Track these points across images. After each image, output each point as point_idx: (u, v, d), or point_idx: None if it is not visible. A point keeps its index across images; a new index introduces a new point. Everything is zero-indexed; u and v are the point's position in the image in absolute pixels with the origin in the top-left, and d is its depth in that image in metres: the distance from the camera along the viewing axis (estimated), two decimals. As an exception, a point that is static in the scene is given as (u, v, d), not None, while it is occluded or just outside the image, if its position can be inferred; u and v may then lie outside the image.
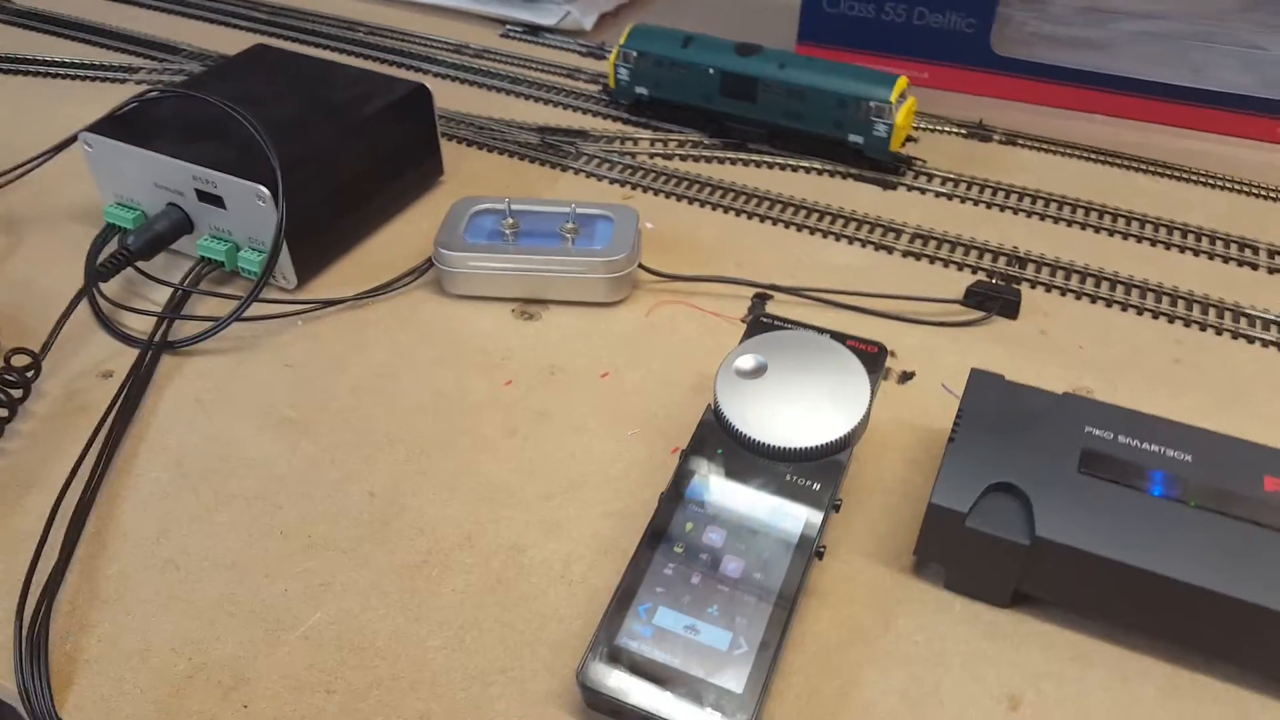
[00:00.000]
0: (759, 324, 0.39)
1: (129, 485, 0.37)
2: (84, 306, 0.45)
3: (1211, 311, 0.46)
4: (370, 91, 0.50)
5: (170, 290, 0.46)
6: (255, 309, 0.44)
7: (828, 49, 0.66)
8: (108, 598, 0.33)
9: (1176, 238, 0.51)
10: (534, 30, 0.73)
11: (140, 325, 0.44)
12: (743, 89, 0.56)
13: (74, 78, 0.64)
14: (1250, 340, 0.44)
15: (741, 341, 0.38)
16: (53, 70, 0.65)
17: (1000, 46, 0.62)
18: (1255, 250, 0.50)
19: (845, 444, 0.34)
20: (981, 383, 0.37)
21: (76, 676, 0.31)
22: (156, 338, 0.43)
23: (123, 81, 0.64)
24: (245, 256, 0.45)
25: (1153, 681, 0.32)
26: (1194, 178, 0.56)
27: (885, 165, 0.56)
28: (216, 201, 0.45)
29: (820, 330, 0.39)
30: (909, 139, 0.55)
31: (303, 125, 0.48)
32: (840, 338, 0.38)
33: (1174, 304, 0.46)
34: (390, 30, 0.72)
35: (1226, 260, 0.49)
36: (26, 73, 0.64)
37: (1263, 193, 0.55)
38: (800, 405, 0.35)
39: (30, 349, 0.40)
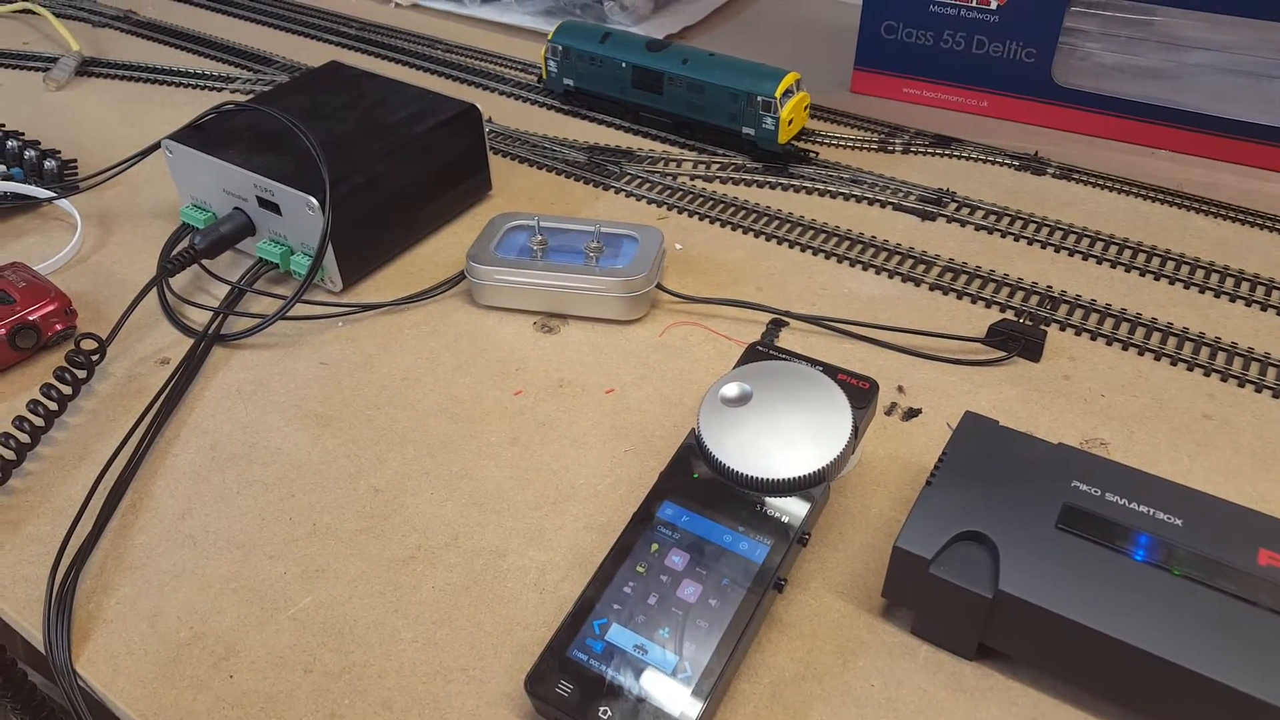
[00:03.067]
0: (753, 352, 0.40)
1: (166, 464, 0.41)
2: (153, 297, 0.50)
3: (1254, 366, 0.44)
4: (424, 110, 0.53)
5: (229, 287, 0.50)
6: (300, 309, 0.48)
7: (885, 75, 0.65)
8: (132, 565, 0.37)
9: (1229, 285, 0.48)
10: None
11: (200, 318, 0.48)
12: (650, 82, 0.61)
13: (178, 85, 0.70)
14: (1291, 399, 0.42)
15: (733, 369, 0.39)
16: (160, 78, 0.71)
17: (1062, 76, 0.60)
18: (1315, 303, 0.47)
19: (819, 479, 0.35)
20: (973, 426, 0.36)
21: (94, 633, 0.34)
22: (210, 330, 0.47)
23: (219, 89, 0.69)
24: (297, 260, 0.49)
25: (1115, 748, 0.31)
26: (1259, 221, 0.53)
27: (779, 158, 0.59)
28: (274, 208, 0.49)
29: (814, 363, 0.39)
30: (804, 133, 0.59)
31: (358, 140, 0.51)
32: (832, 371, 0.38)
33: (1212, 355, 0.44)
34: (465, 48, 0.75)
35: (1280, 312, 0.47)
36: (139, 79, 0.71)
37: (1338, 241, 0.51)
38: (779, 437, 0.36)
39: (98, 335, 0.45)
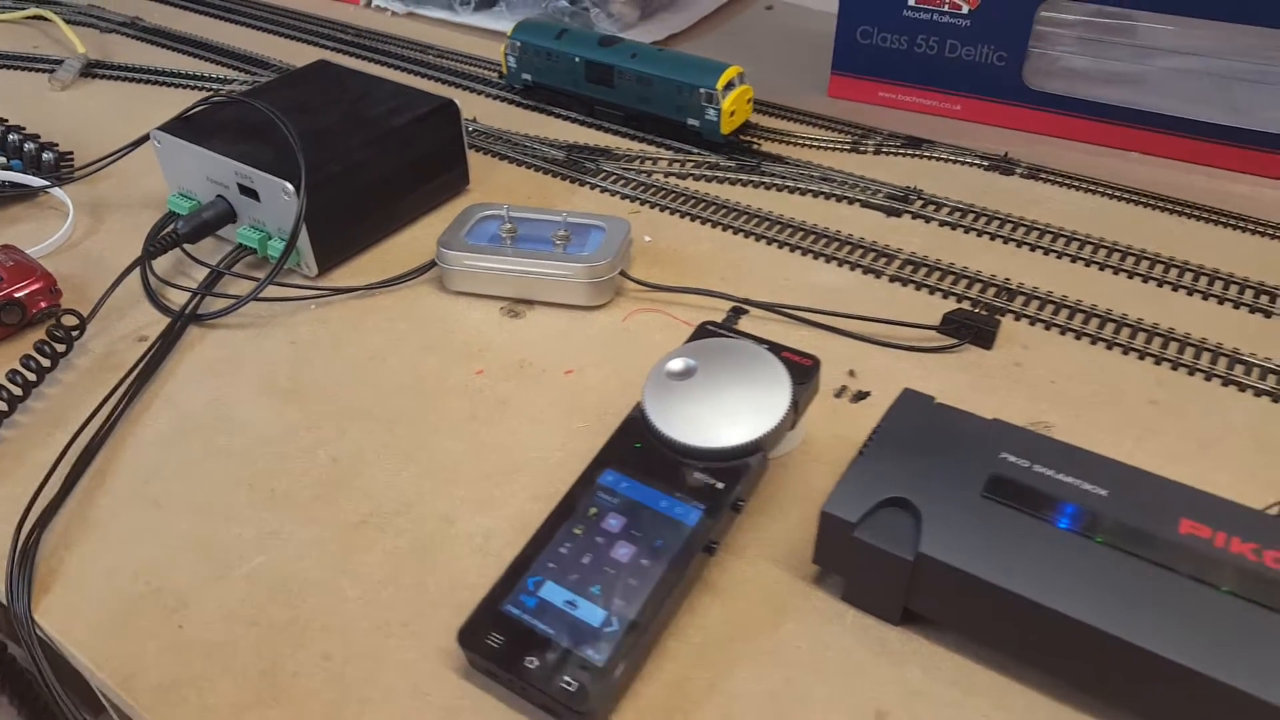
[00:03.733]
0: (703, 330, 0.41)
1: (136, 433, 0.42)
2: (136, 280, 0.51)
3: (1205, 355, 0.44)
4: (403, 105, 0.55)
5: (208, 270, 0.51)
6: (275, 291, 0.50)
7: (861, 79, 0.67)
8: (95, 524, 0.38)
9: (1186, 279, 0.49)
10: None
11: (180, 299, 0.50)
12: (602, 76, 0.64)
13: (178, 86, 0.72)
14: (1242, 388, 0.43)
15: (683, 345, 0.40)
16: (161, 79, 0.73)
17: (1034, 80, 0.61)
18: (1272, 297, 0.48)
19: (754, 449, 0.36)
20: (910, 402, 0.37)
21: (54, 586, 0.36)
22: (187, 310, 0.48)
23: (217, 90, 0.71)
24: (274, 245, 0.51)
25: (1034, 718, 0.31)
26: (1223, 220, 0.54)
27: (723, 148, 0.62)
28: (253, 195, 0.50)
29: (760, 341, 0.40)
30: (748, 124, 0.63)
31: (338, 132, 0.53)
32: (777, 349, 0.39)
33: (1164, 345, 0.45)
34: (455, 53, 0.77)
35: (1237, 305, 0.47)
36: (140, 81, 0.73)
37: (1300, 239, 0.52)
38: (719, 409, 0.37)
39: (79, 311, 0.46)
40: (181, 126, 0.53)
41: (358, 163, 0.52)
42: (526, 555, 0.33)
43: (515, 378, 0.45)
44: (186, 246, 0.52)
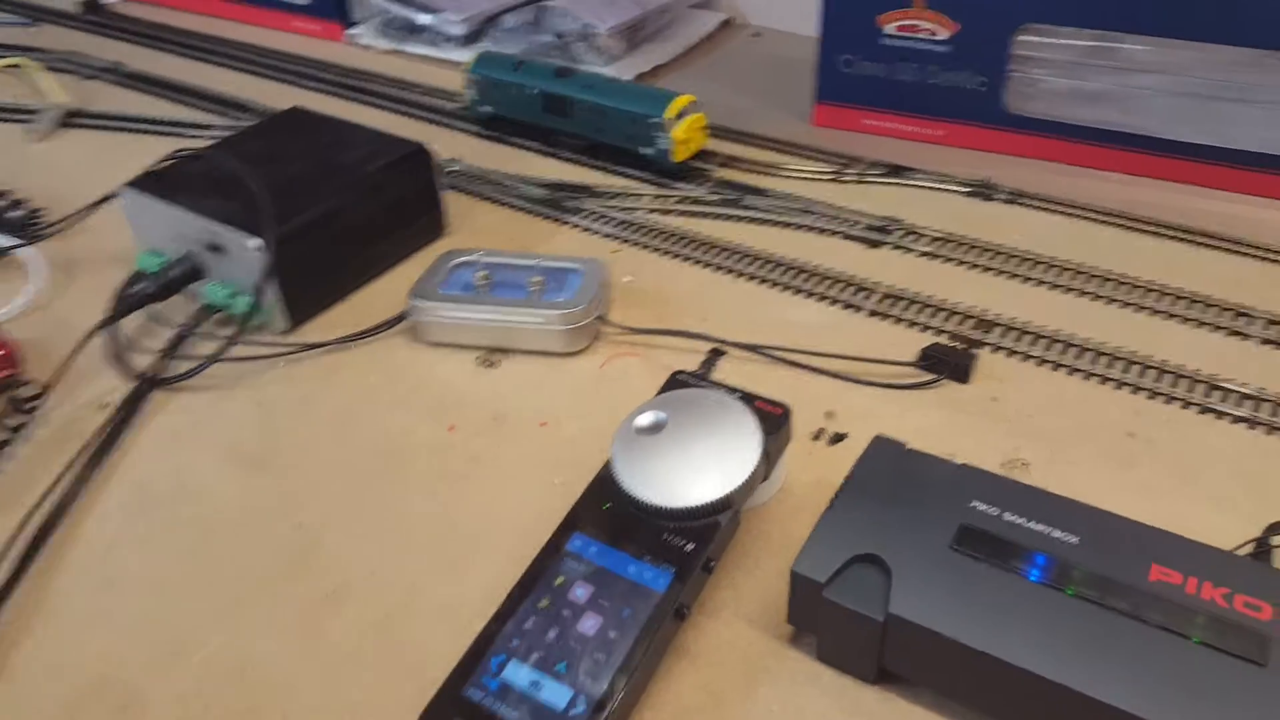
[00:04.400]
0: (674, 381, 0.40)
1: (94, 509, 0.41)
2: (103, 342, 0.51)
3: (1182, 383, 0.43)
4: (375, 151, 0.55)
5: (174, 331, 0.51)
6: (242, 350, 0.49)
7: (845, 108, 0.66)
8: (46, 610, 0.37)
9: (1165, 304, 0.48)
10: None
11: (145, 362, 0.50)
12: (559, 107, 0.65)
13: (158, 133, 0.72)
14: (1219, 415, 0.42)
15: (654, 397, 0.39)
16: (141, 127, 0.73)
17: (1016, 103, 0.61)
18: (1250, 319, 0.47)
19: (724, 506, 0.35)
20: (881, 449, 0.36)
21: None
22: (149, 374, 0.48)
23: (195, 136, 0.71)
24: (242, 301, 0.50)
25: (1018, 776, 0.30)
26: (1202, 240, 0.53)
27: (673, 174, 0.62)
28: (221, 251, 0.50)
29: (732, 390, 0.39)
30: (703, 152, 0.63)
31: (308, 182, 0.52)
32: (749, 399, 0.38)
33: (1141, 373, 0.44)
34: (440, 90, 0.77)
35: (1216, 329, 0.46)
36: (119, 129, 0.73)
37: (1273, 256, 0.51)
38: (688, 465, 0.36)
39: (39, 381, 0.46)
40: (149, 182, 0.53)
41: (327, 213, 0.51)
42: (489, 632, 0.33)
43: (488, 433, 0.44)
44: (155, 306, 0.51)
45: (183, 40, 0.89)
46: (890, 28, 0.62)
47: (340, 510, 0.41)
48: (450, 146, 0.68)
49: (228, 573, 0.38)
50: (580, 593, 0.33)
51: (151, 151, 0.69)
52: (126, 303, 0.49)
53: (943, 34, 0.61)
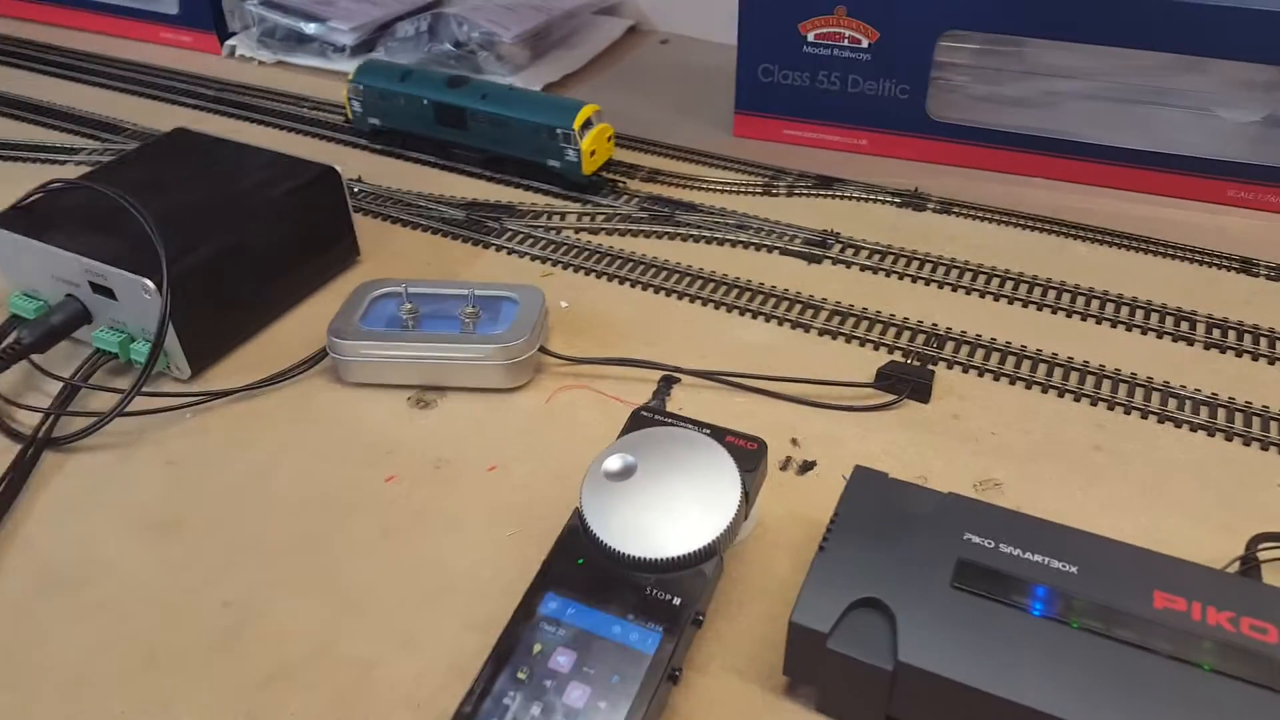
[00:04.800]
0: (638, 418, 0.38)
1: (-15, 595, 0.36)
2: (-23, 400, 0.45)
3: (1138, 392, 0.44)
4: (278, 175, 0.50)
5: (61, 384, 0.45)
6: (143, 402, 0.44)
7: (765, 118, 0.65)
8: (-63, 722, 0.32)
9: (1109, 311, 0.49)
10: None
11: (31, 420, 0.44)
12: (454, 118, 0.61)
13: (20, 160, 0.65)
14: (1177, 424, 0.42)
15: (618, 438, 0.36)
16: (2, 153, 0.65)
17: (940, 110, 0.61)
18: (1193, 324, 0.48)
19: (709, 553, 0.32)
20: (863, 481, 0.35)
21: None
22: (39, 435, 0.42)
23: (63, 163, 0.64)
24: (137, 348, 0.45)
25: (1035, 818, 0.29)
26: (1135, 245, 0.54)
27: (585, 187, 0.60)
28: (109, 293, 0.44)
29: (700, 425, 0.37)
30: (625, 165, 0.62)
31: (204, 213, 0.47)
32: (720, 434, 0.36)
33: (1098, 384, 0.44)
34: (332, 104, 0.72)
35: (1161, 335, 0.47)
36: (-29, 156, 0.65)
37: (1208, 260, 0.52)
38: (665, 511, 0.33)
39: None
40: (18, 218, 0.47)
41: (228, 246, 0.46)
42: (466, 713, 0.29)
43: (431, 481, 0.40)
44: (35, 357, 0.45)
45: (40, 55, 0.81)
46: (811, 35, 0.61)
47: (272, 580, 0.36)
48: (349, 165, 0.63)
49: (149, 663, 0.33)
50: (562, 660, 0.30)
51: (15, 182, 0.62)
52: (4, 356, 0.43)
53: (864, 42, 0.60)
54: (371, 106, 0.64)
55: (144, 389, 0.43)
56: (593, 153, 0.59)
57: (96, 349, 0.46)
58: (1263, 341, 0.46)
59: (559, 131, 0.58)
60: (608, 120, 0.60)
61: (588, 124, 0.58)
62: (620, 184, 0.61)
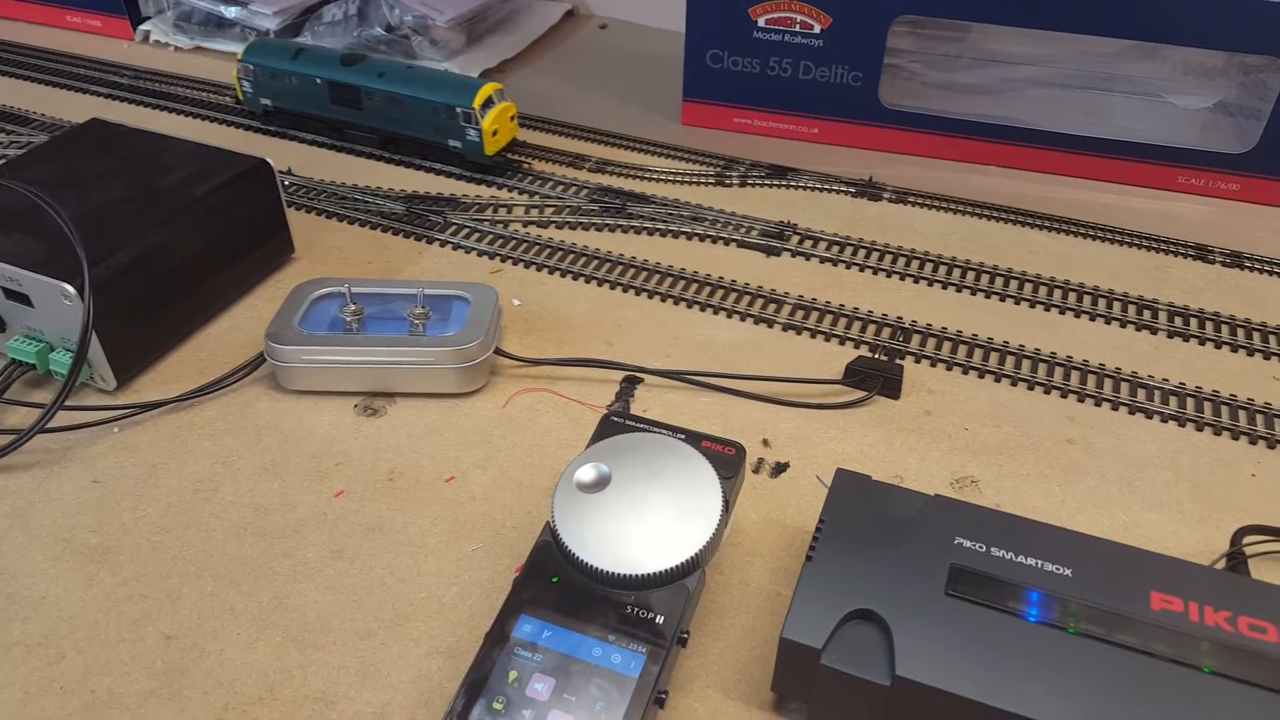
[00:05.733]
0: (609, 424, 0.36)
1: (-114, 640, 0.32)
2: None
3: (1108, 383, 0.43)
4: (206, 169, 0.47)
5: (-31, 399, 0.41)
6: (66, 417, 0.40)
7: (714, 105, 0.63)
8: None
9: (1071, 300, 0.48)
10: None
11: (-66, 440, 0.40)
12: (348, 97, 0.59)
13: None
14: (1148, 415, 0.42)
15: (588, 446, 0.34)
16: (-116, 144, 0.60)
17: (892, 98, 0.60)
18: (1155, 312, 0.48)
19: (692, 567, 0.31)
20: (846, 485, 0.33)
21: None
22: (-56, 457, 0.38)
23: (-39, 155, 0.59)
24: (56, 358, 0.41)
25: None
26: (1091, 233, 0.54)
27: (488, 168, 0.59)
28: (24, 300, 0.41)
29: (674, 430, 0.35)
30: (515, 142, 0.59)
31: (126, 210, 0.44)
32: (695, 439, 0.35)
33: (1066, 376, 0.44)
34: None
35: (1124, 324, 0.47)
36: None
37: (1163, 246, 0.53)
38: (644, 523, 0.31)
39: None
40: (-87, 217, 0.42)
41: (154, 246, 0.43)
42: (441, 753, 0.27)
43: (385, 495, 0.38)
44: (-65, 371, 0.41)
45: (-71, 36, 0.75)
46: (762, 21, 0.60)
47: (216, 609, 0.33)
48: (278, 157, 0.60)
49: (85, 705, 0.30)
50: (540, 687, 0.28)
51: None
52: (-105, 372, 0.39)
53: (816, 27, 0.59)
54: (263, 86, 0.62)
55: (66, 403, 0.39)
56: (495, 132, 0.57)
57: (11, 360, 0.42)
58: (1224, 329, 0.47)
59: (459, 110, 0.56)
60: (554, 108, 0.58)
61: (489, 102, 0.56)
62: (525, 164, 0.59)
